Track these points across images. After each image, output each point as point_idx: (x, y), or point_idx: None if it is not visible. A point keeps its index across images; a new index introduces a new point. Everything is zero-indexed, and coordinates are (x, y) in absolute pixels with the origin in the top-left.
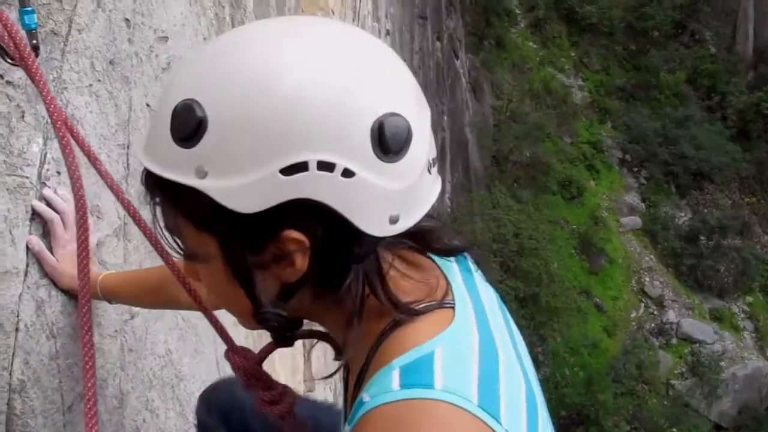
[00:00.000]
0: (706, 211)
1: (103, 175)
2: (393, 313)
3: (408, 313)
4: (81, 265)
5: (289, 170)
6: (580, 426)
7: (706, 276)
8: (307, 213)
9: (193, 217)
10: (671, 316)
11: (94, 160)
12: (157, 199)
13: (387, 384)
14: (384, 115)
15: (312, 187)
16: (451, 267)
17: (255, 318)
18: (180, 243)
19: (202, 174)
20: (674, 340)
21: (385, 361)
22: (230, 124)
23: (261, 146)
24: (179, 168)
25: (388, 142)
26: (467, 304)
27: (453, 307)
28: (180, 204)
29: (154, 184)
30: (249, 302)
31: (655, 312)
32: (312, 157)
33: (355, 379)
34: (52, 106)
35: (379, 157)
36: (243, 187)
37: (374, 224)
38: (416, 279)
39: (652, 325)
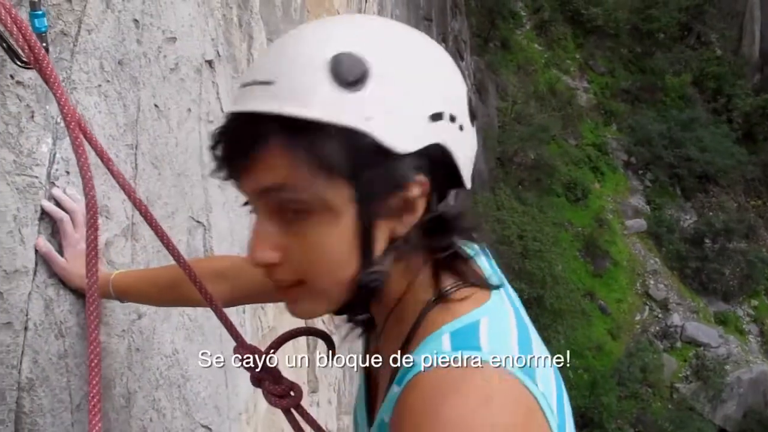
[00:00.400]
0: (711, 214)
1: (115, 175)
2: (440, 286)
3: (458, 286)
4: (90, 264)
5: (433, 117)
6: (583, 429)
7: (711, 279)
8: (434, 159)
9: (337, 163)
10: (676, 319)
11: (107, 161)
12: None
13: (438, 347)
14: None
15: (443, 135)
16: (475, 249)
17: (355, 283)
18: (288, 200)
19: (368, 117)
20: (679, 344)
21: (433, 328)
22: (394, 74)
23: (417, 93)
24: (343, 113)
25: (474, 110)
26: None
27: (487, 286)
28: (320, 151)
29: (286, 136)
30: (356, 264)
31: (660, 315)
32: (446, 109)
33: (400, 346)
34: (66, 107)
35: (470, 121)
36: (406, 128)
37: (466, 180)
38: None
39: (657, 328)
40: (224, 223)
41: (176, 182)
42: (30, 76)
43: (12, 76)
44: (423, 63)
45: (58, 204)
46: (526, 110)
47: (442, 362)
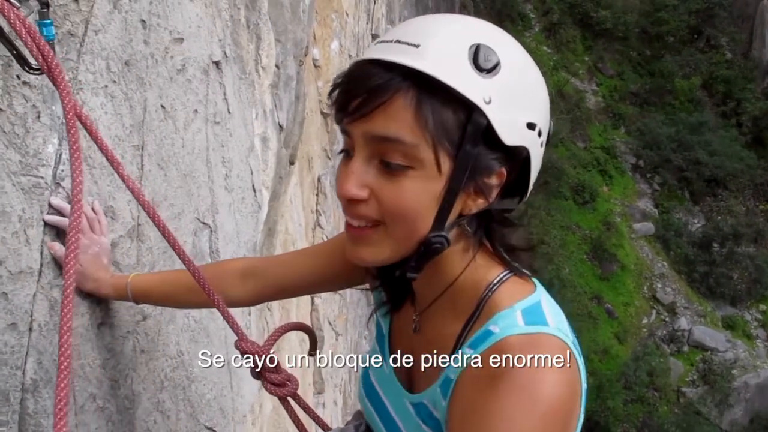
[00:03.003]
0: (719, 218)
1: (124, 179)
2: (497, 269)
3: (517, 269)
4: (67, 266)
5: (530, 125)
6: None
7: (719, 283)
8: (516, 161)
9: (451, 130)
10: (683, 323)
11: (117, 166)
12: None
13: (514, 320)
14: None
15: (532, 143)
16: None
17: (423, 240)
18: (395, 152)
19: (488, 101)
20: (686, 348)
21: (503, 305)
22: (514, 75)
23: (525, 99)
24: (471, 90)
25: (551, 135)
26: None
27: (529, 275)
28: (443, 116)
29: (418, 92)
30: (431, 223)
31: (667, 319)
32: (540, 123)
33: (466, 318)
34: (72, 112)
35: (546, 142)
36: (509, 123)
37: (529, 190)
38: None
39: (664, 332)
40: (230, 225)
41: (182, 183)
42: (36, 76)
43: (18, 77)
44: (535, 79)
45: (60, 213)
46: None
47: (519, 334)
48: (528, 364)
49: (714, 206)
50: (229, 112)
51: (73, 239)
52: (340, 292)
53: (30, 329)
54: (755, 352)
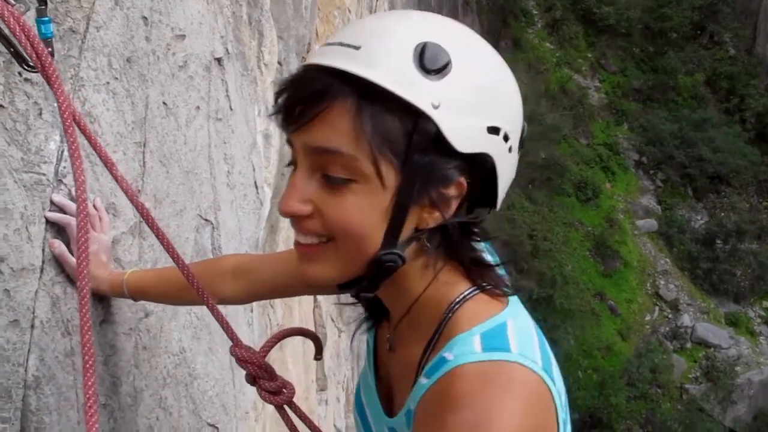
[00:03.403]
0: (723, 214)
1: (119, 180)
2: (461, 287)
3: (485, 287)
4: (80, 266)
5: (490, 129)
6: (592, 429)
7: (722, 280)
8: (478, 169)
9: (395, 139)
10: (686, 319)
11: (111, 166)
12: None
13: (470, 347)
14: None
15: (496, 149)
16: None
17: (375, 259)
18: (336, 164)
19: (436, 106)
20: (689, 344)
21: (463, 328)
22: (469, 76)
23: (484, 101)
24: (417, 94)
25: (524, 138)
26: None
27: (505, 292)
28: (384, 123)
29: (357, 99)
30: (381, 239)
31: (670, 315)
32: (504, 126)
33: (425, 343)
34: (67, 112)
35: (518, 147)
36: (463, 129)
37: (499, 199)
38: None
39: (667, 328)
40: (232, 222)
41: (184, 180)
42: (38, 74)
43: (20, 74)
44: (496, 77)
45: (62, 209)
46: (537, 109)
47: (475, 362)
48: (480, 396)
49: (717, 203)
50: (231, 109)
51: (83, 239)
52: None
53: (32, 326)
54: (758, 349)
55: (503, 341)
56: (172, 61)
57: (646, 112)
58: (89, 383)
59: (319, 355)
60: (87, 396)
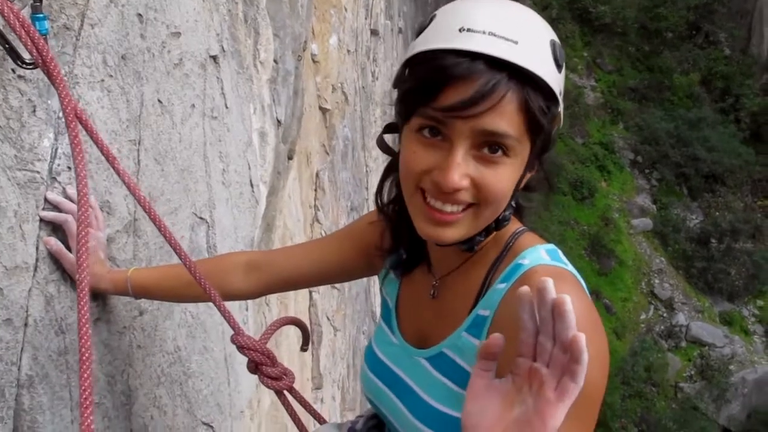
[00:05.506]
0: (717, 213)
1: (121, 174)
2: (516, 224)
3: (530, 228)
4: (80, 259)
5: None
6: None
7: (717, 279)
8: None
9: (539, 123)
10: (681, 318)
11: (113, 161)
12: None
13: (539, 256)
14: None
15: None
16: None
17: (499, 218)
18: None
19: (560, 92)
20: (683, 343)
21: (528, 246)
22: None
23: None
24: (556, 86)
25: None
26: None
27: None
28: (538, 110)
29: (523, 91)
30: (510, 197)
31: (665, 314)
32: (559, 95)
33: (488, 269)
34: (69, 107)
35: None
36: (561, 111)
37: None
38: None
39: (662, 327)
40: (228, 220)
41: (179, 178)
42: (32, 70)
43: (14, 71)
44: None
45: (57, 207)
46: None
47: (546, 265)
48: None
49: (712, 202)
50: (226, 107)
51: (83, 233)
52: (338, 287)
53: (25, 325)
54: (752, 348)
55: (561, 258)
56: (168, 59)
57: (641, 111)
58: (85, 375)
59: (305, 345)
60: (82, 388)
